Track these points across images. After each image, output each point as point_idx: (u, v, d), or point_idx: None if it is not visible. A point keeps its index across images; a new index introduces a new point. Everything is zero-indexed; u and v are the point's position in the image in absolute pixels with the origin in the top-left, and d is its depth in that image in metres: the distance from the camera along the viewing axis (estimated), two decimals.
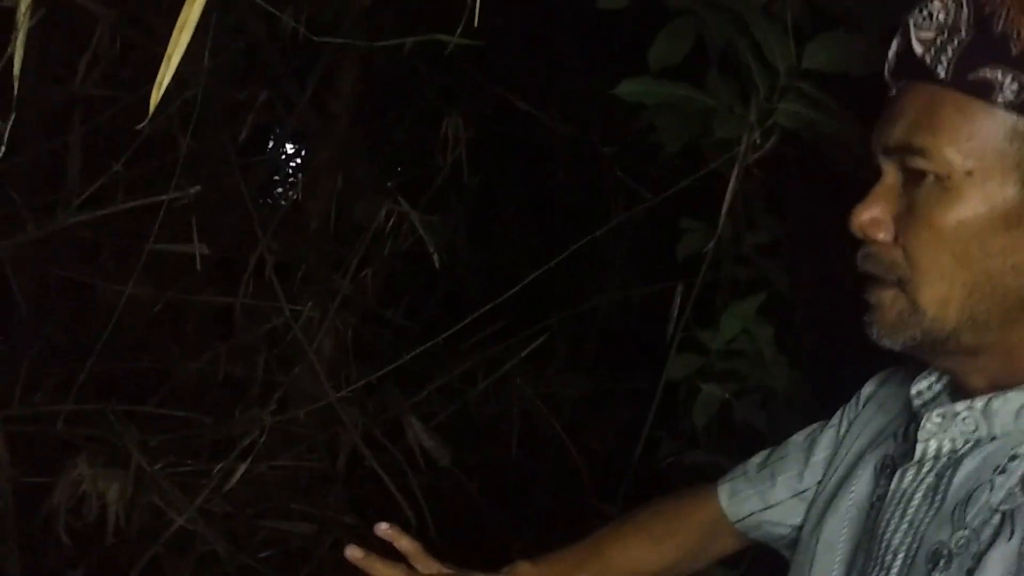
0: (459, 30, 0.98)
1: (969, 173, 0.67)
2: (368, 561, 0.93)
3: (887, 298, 0.72)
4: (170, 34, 0.70)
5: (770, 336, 1.56)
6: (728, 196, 1.61)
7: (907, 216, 0.70)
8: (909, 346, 0.73)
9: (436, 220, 2.00)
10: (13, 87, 0.80)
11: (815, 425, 0.98)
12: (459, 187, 2.48)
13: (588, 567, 1.02)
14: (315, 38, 1.13)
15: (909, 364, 0.83)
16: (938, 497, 0.72)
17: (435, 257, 1.88)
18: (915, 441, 0.76)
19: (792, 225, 1.82)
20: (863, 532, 0.80)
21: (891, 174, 0.71)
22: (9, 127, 0.76)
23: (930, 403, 0.78)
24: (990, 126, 0.67)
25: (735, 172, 1.58)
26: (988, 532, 0.66)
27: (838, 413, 0.95)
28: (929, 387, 0.78)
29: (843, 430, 0.93)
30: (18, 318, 1.64)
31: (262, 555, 1.82)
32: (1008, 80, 0.65)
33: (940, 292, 0.69)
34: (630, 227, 2.75)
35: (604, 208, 2.35)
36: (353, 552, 0.93)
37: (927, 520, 0.72)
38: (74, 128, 1.64)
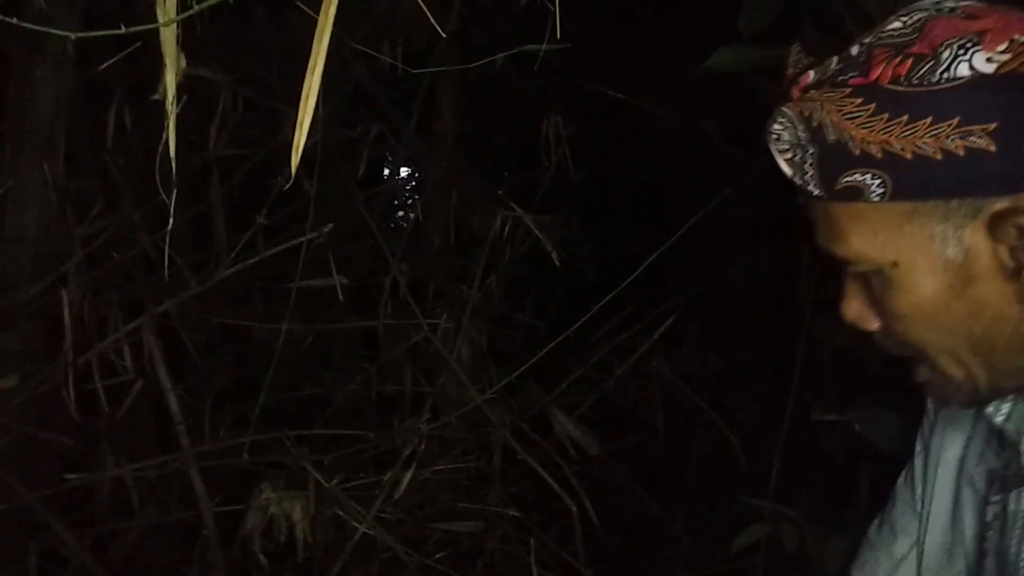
0: (546, 38, 1.03)
1: (895, 264, 0.67)
2: None
3: (924, 372, 0.73)
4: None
5: None
6: None
7: (878, 308, 0.71)
8: (969, 406, 0.74)
9: (549, 220, 2.06)
10: (172, 168, 0.91)
11: (909, 463, 0.94)
12: (567, 184, 2.54)
13: None
14: (412, 71, 1.21)
15: None
16: None
17: (554, 255, 1.94)
18: (1013, 455, 0.75)
19: None
20: (982, 556, 0.78)
21: (849, 272, 0.72)
22: (173, 201, 0.87)
23: (1013, 418, 0.75)
24: (885, 219, 0.67)
25: None
26: None
27: (917, 438, 0.92)
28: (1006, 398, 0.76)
29: (927, 453, 0.90)
30: (192, 367, 1.82)
31: (438, 556, 1.93)
32: (868, 178, 0.65)
33: (951, 360, 0.70)
34: (748, 197, 2.73)
35: (715, 183, 2.35)
36: None
37: None
38: (214, 188, 1.80)
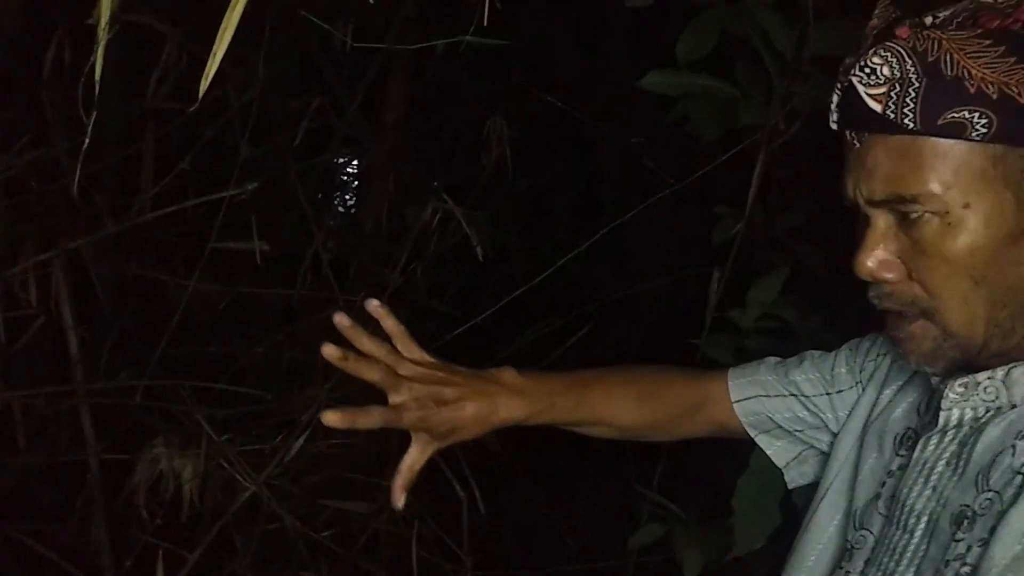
0: (471, 29, 1.07)
1: (966, 205, 0.70)
2: (354, 331, 0.88)
3: (917, 330, 0.75)
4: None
5: (797, 309, 1.61)
6: (755, 180, 1.67)
7: (915, 254, 0.73)
8: (948, 368, 0.77)
9: (480, 216, 2.10)
10: (95, 90, 0.92)
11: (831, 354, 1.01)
12: (506, 186, 2.58)
13: (567, 398, 1.00)
14: (354, 43, 1.24)
15: None
16: (961, 463, 0.75)
17: (478, 250, 1.97)
18: (935, 411, 0.80)
19: (824, 206, 1.87)
20: (875, 498, 0.84)
21: (882, 219, 0.74)
22: (91, 123, 0.88)
23: (946, 378, 0.80)
24: (971, 159, 0.70)
25: (761, 156, 1.64)
26: (1010, 492, 0.70)
27: (857, 344, 0.98)
28: None
29: (863, 360, 0.96)
30: (98, 309, 1.80)
31: (325, 533, 1.93)
32: (976, 117, 0.68)
33: (966, 314, 0.73)
34: (677, 219, 2.82)
35: (645, 199, 2.42)
36: (341, 319, 0.88)
37: (950, 485, 0.75)
38: (147, 137, 1.80)
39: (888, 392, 0.91)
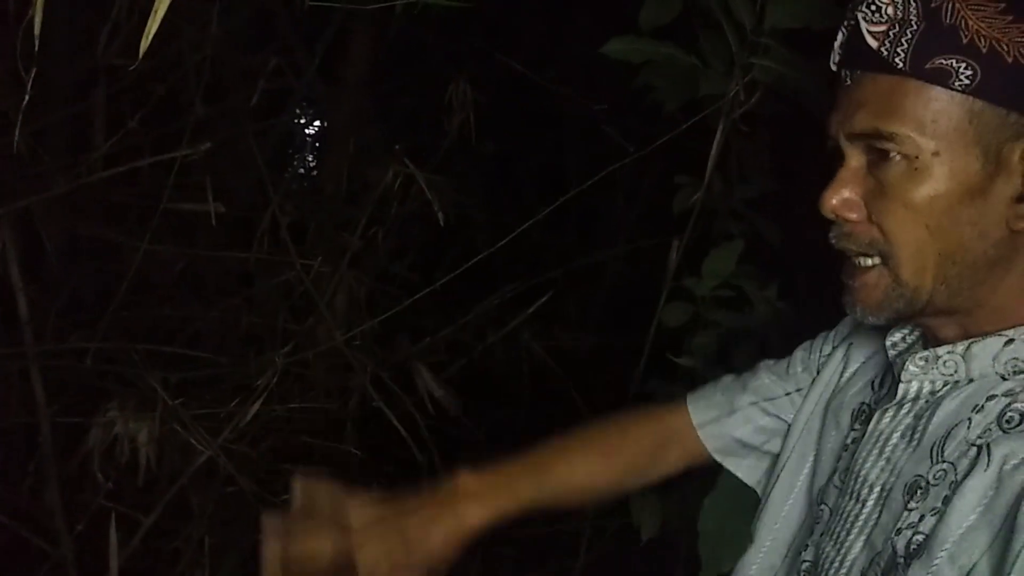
0: None
1: (936, 153, 0.72)
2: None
3: (871, 279, 0.76)
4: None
5: (754, 280, 1.63)
6: (714, 150, 1.68)
7: (878, 196, 0.74)
8: (891, 318, 0.78)
9: (442, 181, 2.08)
10: (35, 44, 0.89)
11: (785, 359, 1.03)
12: (469, 151, 2.56)
13: (530, 478, 0.99)
14: (311, 1, 1.21)
15: None
16: (916, 436, 0.77)
17: (439, 215, 1.96)
18: (891, 385, 0.82)
19: (782, 179, 1.88)
20: (832, 473, 0.86)
21: (856, 157, 0.76)
22: (31, 78, 0.86)
23: (904, 352, 0.83)
24: (950, 109, 0.71)
25: (720, 127, 1.65)
26: (965, 463, 0.72)
27: (810, 344, 1.01)
28: (903, 338, 0.84)
29: (817, 357, 0.99)
30: (48, 269, 1.76)
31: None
32: (962, 67, 0.70)
33: (918, 263, 0.74)
34: (640, 187, 2.82)
35: (608, 167, 2.42)
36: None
37: (904, 457, 0.77)
38: (98, 94, 1.75)
39: (846, 374, 0.93)
